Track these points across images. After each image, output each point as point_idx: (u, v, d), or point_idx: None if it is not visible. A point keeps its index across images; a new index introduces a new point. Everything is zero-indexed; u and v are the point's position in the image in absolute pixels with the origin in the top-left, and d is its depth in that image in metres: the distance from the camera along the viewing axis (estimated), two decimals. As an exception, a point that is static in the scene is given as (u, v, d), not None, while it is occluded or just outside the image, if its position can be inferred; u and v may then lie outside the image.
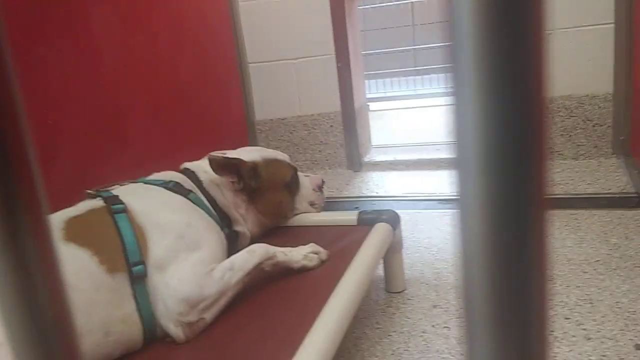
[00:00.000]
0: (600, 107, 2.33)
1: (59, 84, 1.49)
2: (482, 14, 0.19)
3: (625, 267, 1.44)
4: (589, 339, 1.16)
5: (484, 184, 0.21)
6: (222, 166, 1.28)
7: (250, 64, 2.75)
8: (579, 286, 1.37)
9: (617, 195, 1.95)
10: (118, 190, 1.16)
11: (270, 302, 1.10)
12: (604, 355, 1.10)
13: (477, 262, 0.22)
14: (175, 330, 1.00)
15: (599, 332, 1.18)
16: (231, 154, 1.44)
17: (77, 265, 0.95)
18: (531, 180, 0.21)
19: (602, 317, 1.23)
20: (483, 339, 0.22)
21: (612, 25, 2.21)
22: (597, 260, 1.49)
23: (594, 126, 2.36)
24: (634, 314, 1.22)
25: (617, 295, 1.31)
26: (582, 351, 1.12)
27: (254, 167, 1.34)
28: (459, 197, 0.22)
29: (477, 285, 0.22)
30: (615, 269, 1.43)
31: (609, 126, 2.34)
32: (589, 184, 2.10)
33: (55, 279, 0.25)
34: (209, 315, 1.03)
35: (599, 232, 1.67)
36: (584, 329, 1.19)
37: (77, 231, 1.01)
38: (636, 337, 1.14)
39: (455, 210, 0.23)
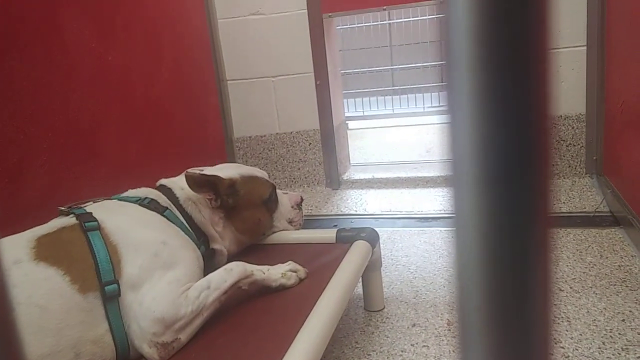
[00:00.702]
0: (573, 128, 2.38)
1: (31, 96, 1.46)
2: (481, 28, 0.19)
3: (601, 285, 1.45)
4: (567, 357, 1.16)
5: (483, 201, 0.20)
6: (199, 183, 1.26)
7: (228, 81, 2.74)
8: (555, 304, 1.37)
9: (592, 214, 1.98)
10: (92, 207, 1.13)
11: (248, 321, 1.08)
12: (582, 374, 1.10)
13: (474, 281, 0.21)
14: (150, 351, 0.97)
15: (577, 349, 1.18)
16: (209, 170, 1.42)
17: (47, 285, 0.92)
18: (534, 197, 0.20)
19: (580, 335, 1.24)
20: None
21: (584, 47, 2.27)
22: (573, 279, 1.50)
23: (567, 146, 2.41)
24: (610, 332, 1.23)
25: (593, 313, 1.32)
26: (560, 369, 1.12)
27: (231, 184, 1.33)
28: (454, 214, 0.21)
29: (475, 306, 0.21)
30: (591, 287, 1.44)
31: (582, 146, 2.39)
32: (563, 202, 2.13)
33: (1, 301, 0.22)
34: (184, 336, 1.00)
35: (574, 251, 1.69)
36: (562, 347, 1.20)
37: (47, 250, 0.98)
38: (614, 355, 1.15)
39: (450, 229, 0.22)
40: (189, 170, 1.45)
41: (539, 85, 0.19)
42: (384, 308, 1.46)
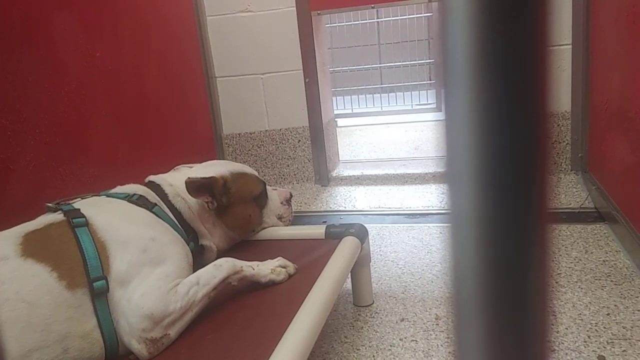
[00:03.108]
0: (559, 125, 2.41)
1: (19, 93, 1.45)
2: (480, 24, 0.19)
3: (586, 279, 1.47)
4: (553, 350, 1.18)
5: (480, 198, 0.20)
6: (197, 188, 1.25)
7: (217, 78, 2.73)
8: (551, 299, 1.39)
9: (577, 210, 2.00)
10: (80, 204, 1.12)
11: (237, 316, 1.08)
12: (567, 366, 1.12)
13: (470, 279, 0.21)
14: (139, 347, 0.97)
15: (562, 343, 1.20)
16: (198, 167, 1.42)
17: (35, 281, 0.92)
18: (532, 193, 0.20)
19: (565, 329, 1.25)
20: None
21: (570, 46, 2.30)
22: (559, 274, 1.52)
23: (552, 143, 2.42)
24: (595, 326, 1.25)
25: (579, 307, 1.34)
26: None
27: (224, 182, 1.32)
28: (450, 211, 0.21)
29: (470, 304, 0.21)
30: (576, 282, 1.47)
31: (567, 143, 2.42)
32: (553, 199, 2.15)
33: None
34: (173, 331, 1.00)
35: (560, 246, 1.71)
36: (547, 341, 1.21)
37: (35, 246, 0.97)
38: (599, 348, 1.17)
39: (446, 225, 0.22)
40: (180, 167, 1.45)
41: (538, 82, 0.19)
42: (372, 303, 1.47)
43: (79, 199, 1.17)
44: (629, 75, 1.63)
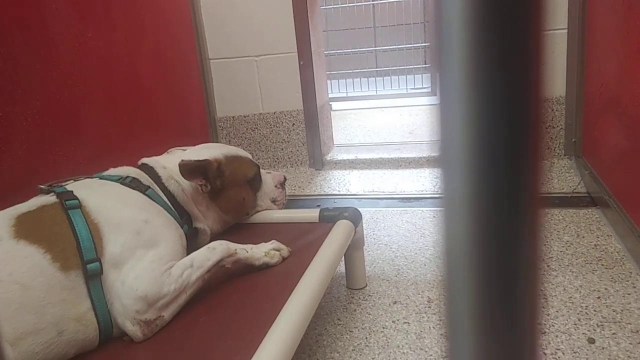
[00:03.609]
0: (553, 110, 2.41)
1: (10, 75, 1.43)
2: (474, 8, 0.18)
3: (577, 263, 1.49)
4: (544, 333, 1.19)
5: (472, 183, 0.20)
6: (191, 170, 1.25)
7: (211, 60, 2.71)
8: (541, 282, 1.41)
9: (569, 195, 2.02)
10: (72, 186, 1.12)
11: (231, 299, 1.09)
12: (558, 349, 1.13)
13: (462, 262, 0.21)
14: (133, 329, 0.97)
15: (553, 326, 1.22)
16: (191, 150, 1.42)
17: (28, 263, 0.92)
18: (524, 178, 0.20)
19: (556, 311, 1.27)
20: (468, 344, 0.21)
21: (565, 30, 2.29)
22: (551, 257, 1.54)
23: (546, 128, 2.44)
24: (586, 309, 1.27)
25: (569, 290, 1.36)
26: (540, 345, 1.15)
27: (218, 165, 1.32)
28: (443, 194, 0.21)
29: (462, 287, 0.21)
30: (567, 266, 1.48)
31: (561, 128, 2.42)
32: (545, 184, 2.16)
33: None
34: (167, 313, 1.01)
35: (551, 230, 1.72)
36: (538, 324, 1.23)
37: (28, 228, 0.97)
38: (589, 331, 1.19)
39: (439, 209, 0.22)
40: (173, 150, 1.44)
41: (532, 66, 0.19)
42: (366, 286, 1.48)
43: (72, 181, 1.17)
44: (624, 60, 1.63)
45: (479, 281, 0.21)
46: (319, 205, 2.15)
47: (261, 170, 1.48)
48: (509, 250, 0.21)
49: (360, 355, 1.18)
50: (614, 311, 1.25)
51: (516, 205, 0.20)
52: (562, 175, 2.25)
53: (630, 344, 1.13)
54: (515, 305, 0.21)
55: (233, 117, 2.78)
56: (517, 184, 0.20)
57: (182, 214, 1.25)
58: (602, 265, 1.47)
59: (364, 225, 1.49)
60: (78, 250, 0.97)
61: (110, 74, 1.90)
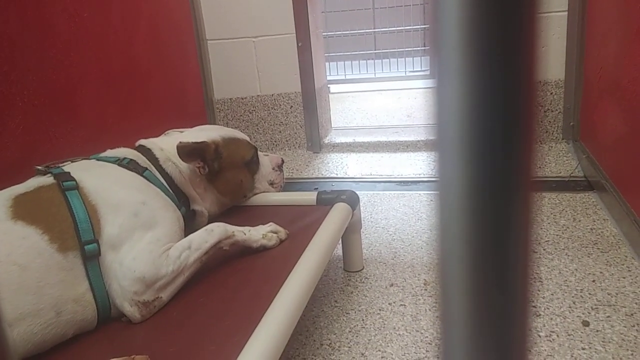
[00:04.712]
0: (552, 94, 2.40)
1: (6, 55, 1.42)
2: None
3: (573, 247, 1.50)
4: (539, 315, 1.21)
5: (467, 166, 0.20)
6: (189, 152, 1.25)
7: (208, 41, 2.69)
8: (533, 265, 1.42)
9: (566, 179, 2.02)
10: (70, 167, 1.11)
11: (229, 280, 1.09)
12: (552, 331, 1.15)
13: (456, 245, 0.21)
14: (131, 310, 0.98)
15: (548, 308, 1.23)
16: (189, 132, 1.41)
17: (26, 244, 0.92)
18: (519, 162, 0.20)
19: (551, 294, 1.28)
20: (461, 326, 0.22)
21: (565, 13, 2.27)
22: (547, 241, 1.55)
23: (545, 112, 2.44)
24: (581, 292, 1.28)
25: (565, 274, 1.37)
26: (531, 327, 1.17)
27: (216, 147, 1.32)
28: (438, 178, 0.21)
29: (456, 271, 0.21)
30: (563, 249, 1.49)
31: (559, 112, 2.42)
32: (539, 167, 2.17)
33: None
34: (165, 294, 1.01)
35: (548, 214, 1.73)
36: (534, 306, 1.24)
37: (25, 209, 0.97)
38: (583, 314, 1.20)
39: (433, 192, 0.22)
40: (171, 131, 1.44)
41: (527, 49, 0.19)
42: (363, 269, 1.49)
43: (69, 162, 1.16)
44: (624, 44, 1.62)
45: (473, 264, 0.21)
46: (317, 188, 2.15)
47: (259, 153, 1.47)
48: (503, 232, 0.21)
49: (357, 336, 1.19)
50: (608, 294, 1.26)
51: (510, 188, 0.20)
52: (559, 159, 2.25)
53: (625, 326, 1.14)
54: (508, 287, 0.21)
55: (230, 99, 2.76)
56: (511, 167, 0.20)
57: (179, 196, 1.25)
58: (598, 249, 1.48)
59: (361, 208, 1.49)
60: (75, 231, 0.97)
61: (106, 54, 1.88)
